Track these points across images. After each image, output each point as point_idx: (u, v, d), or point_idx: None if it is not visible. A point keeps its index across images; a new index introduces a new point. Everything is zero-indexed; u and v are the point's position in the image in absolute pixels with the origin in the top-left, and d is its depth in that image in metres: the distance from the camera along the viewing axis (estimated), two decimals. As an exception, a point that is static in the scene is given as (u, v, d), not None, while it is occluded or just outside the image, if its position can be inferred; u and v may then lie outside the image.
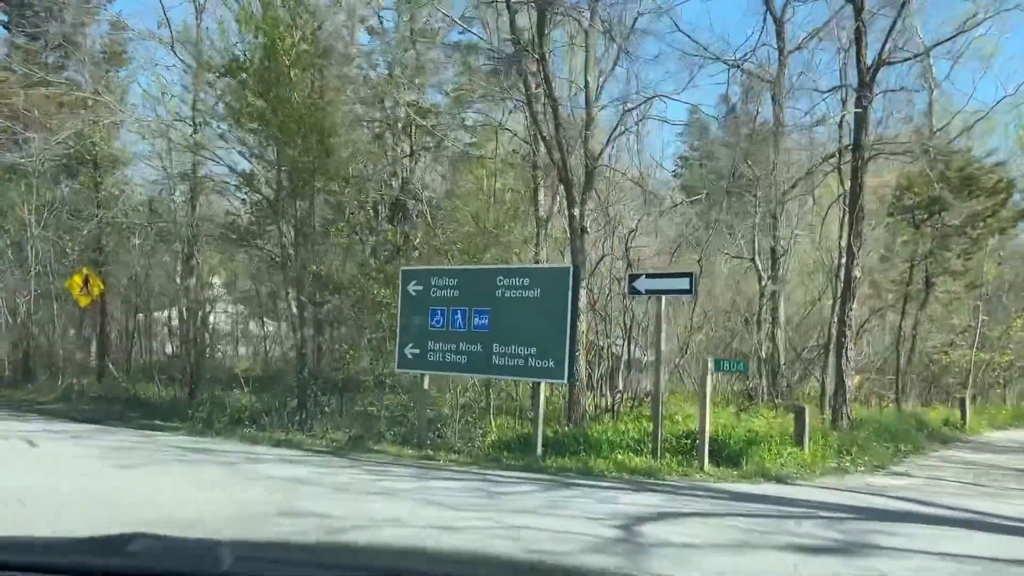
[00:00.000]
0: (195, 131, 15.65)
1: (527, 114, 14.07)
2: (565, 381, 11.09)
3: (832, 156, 19.09)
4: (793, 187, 21.96)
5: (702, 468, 10.23)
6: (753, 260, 22.11)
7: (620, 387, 16.45)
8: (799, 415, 11.84)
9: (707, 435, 10.43)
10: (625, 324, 17.10)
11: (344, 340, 14.70)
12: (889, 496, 9.04)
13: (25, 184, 17.40)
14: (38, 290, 18.20)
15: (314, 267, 12.95)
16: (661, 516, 7.12)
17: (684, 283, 10.88)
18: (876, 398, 21.72)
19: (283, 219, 13.47)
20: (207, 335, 19.86)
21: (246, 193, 14.24)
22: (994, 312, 25.90)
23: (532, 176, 17.78)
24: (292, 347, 14.84)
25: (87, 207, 17.58)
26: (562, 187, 14.12)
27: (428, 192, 17.32)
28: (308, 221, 13.36)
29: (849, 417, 15.18)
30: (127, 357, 21.13)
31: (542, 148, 16.32)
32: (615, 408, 14.90)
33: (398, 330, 12.25)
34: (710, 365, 10.74)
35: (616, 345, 17.62)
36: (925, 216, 19.15)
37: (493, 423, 13.07)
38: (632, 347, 17.42)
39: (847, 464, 11.70)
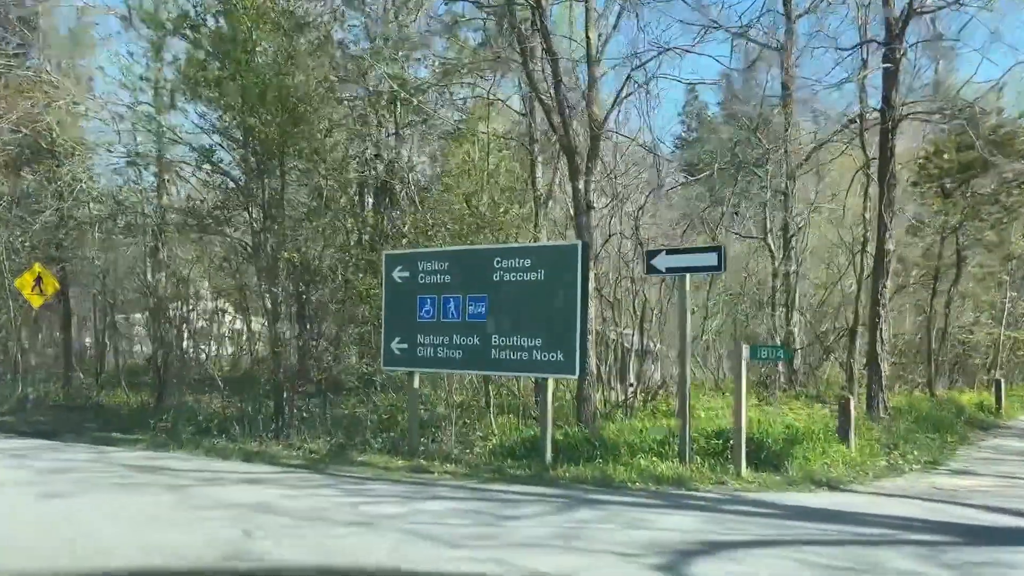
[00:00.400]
0: (157, 110, 14.04)
1: (523, 74, 12.55)
2: (576, 376, 9.61)
3: (853, 121, 17.53)
4: (807, 159, 20.52)
5: (739, 474, 8.76)
6: (765, 239, 20.69)
7: (632, 380, 15.07)
8: (844, 407, 10.38)
9: (743, 434, 8.95)
10: (635, 310, 15.71)
11: (326, 336, 13.18)
12: (969, 504, 7.62)
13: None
14: (-11, 291, 16.61)
15: (285, 254, 11.42)
16: (710, 548, 5.63)
17: (711, 259, 9.34)
18: (902, 383, 20.30)
19: (251, 201, 11.95)
20: (182, 334, 18.33)
21: (208, 173, 12.65)
22: (1020, 288, 24.51)
23: (529, 151, 16.34)
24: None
25: (43, 199, 15.94)
26: (564, 158, 12.63)
27: (415, 174, 15.81)
28: (279, 203, 11.83)
29: (886, 405, 13.83)
30: (99, 361, 19.62)
31: (539, 118, 14.83)
32: (628, 404, 13.54)
33: (383, 323, 10.80)
34: (745, 353, 9.20)
35: (625, 334, 16.23)
36: (955, 185, 17.65)
37: (494, 424, 11.64)
38: (643, 336, 16.00)
39: (899, 462, 10.31)
